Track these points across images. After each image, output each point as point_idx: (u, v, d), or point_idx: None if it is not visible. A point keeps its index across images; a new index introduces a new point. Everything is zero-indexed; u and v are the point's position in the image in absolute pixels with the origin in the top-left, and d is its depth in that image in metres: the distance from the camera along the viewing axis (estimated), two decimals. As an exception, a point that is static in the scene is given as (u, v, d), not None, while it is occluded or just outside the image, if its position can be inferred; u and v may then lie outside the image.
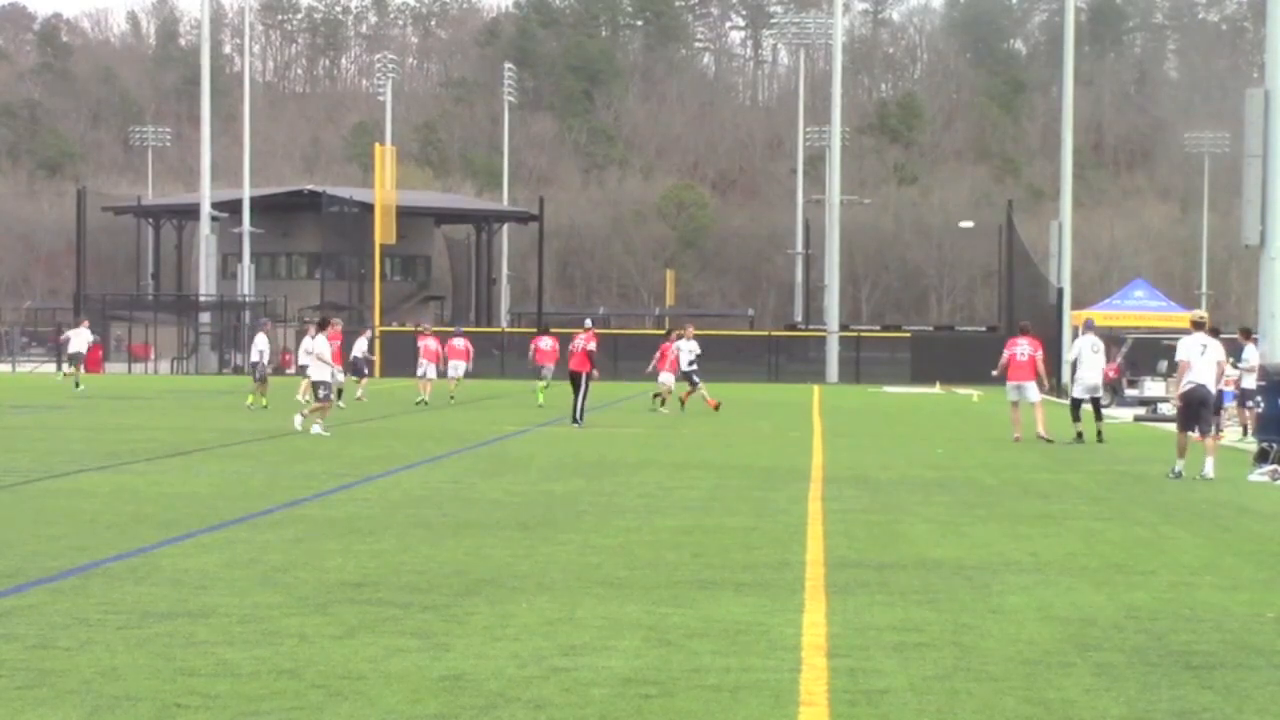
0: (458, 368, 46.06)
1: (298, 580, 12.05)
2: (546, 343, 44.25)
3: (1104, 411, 30.75)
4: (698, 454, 25.97)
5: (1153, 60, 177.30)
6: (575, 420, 32.78)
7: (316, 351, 30.58)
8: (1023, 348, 30.72)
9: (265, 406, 38.77)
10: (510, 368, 67.86)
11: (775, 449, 27.59)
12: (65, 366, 51.31)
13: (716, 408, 39.68)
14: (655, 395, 40.70)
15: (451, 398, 44.24)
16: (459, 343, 46.76)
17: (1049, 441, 28.94)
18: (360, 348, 46.20)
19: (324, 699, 8.29)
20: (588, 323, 37.34)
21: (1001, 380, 31.21)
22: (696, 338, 42.12)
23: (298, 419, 29.92)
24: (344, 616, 10.57)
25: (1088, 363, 29.71)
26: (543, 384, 43.36)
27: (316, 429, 29.04)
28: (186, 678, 8.73)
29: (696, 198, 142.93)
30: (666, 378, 40.40)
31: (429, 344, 45.24)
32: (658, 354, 41.23)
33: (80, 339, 51.27)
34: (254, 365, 41.51)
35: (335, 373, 31.57)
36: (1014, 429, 30.05)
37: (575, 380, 33.48)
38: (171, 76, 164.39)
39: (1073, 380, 30.27)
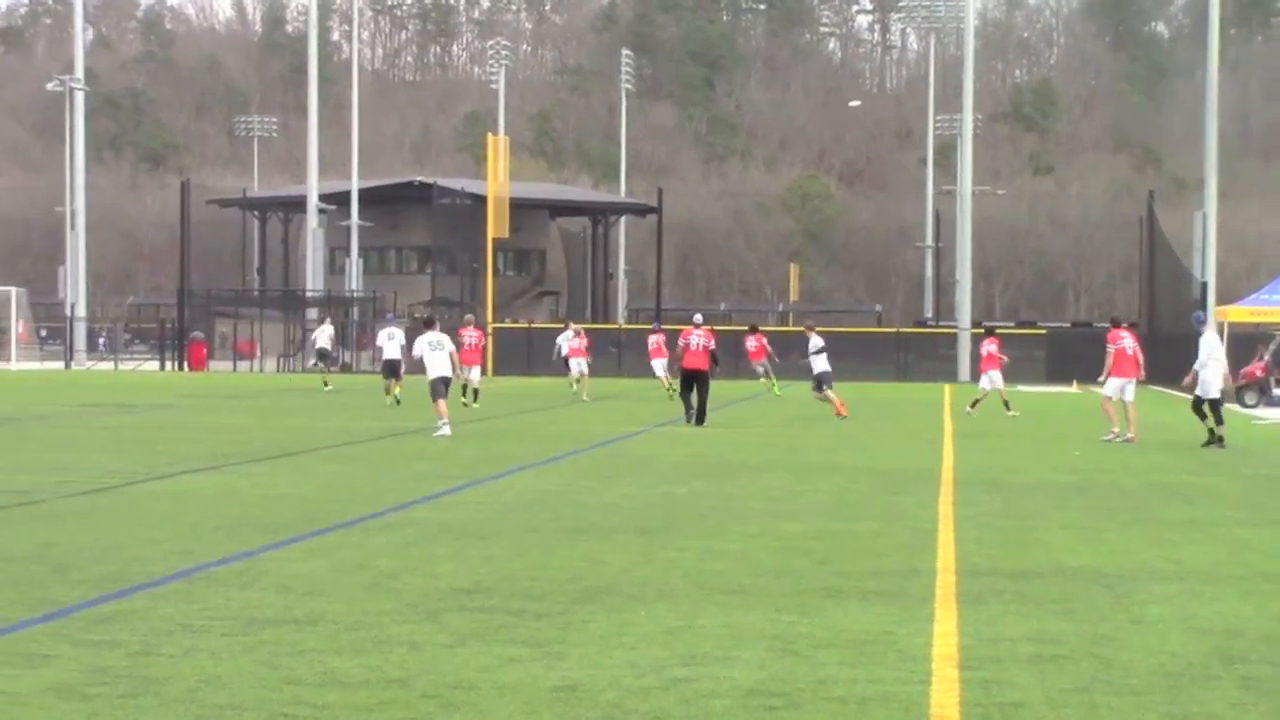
0: (660, 366, 47.12)
1: (407, 586, 11.86)
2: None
3: (1252, 411, 30.07)
4: (824, 456, 25.59)
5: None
6: (698, 420, 32.33)
7: (450, 349, 29.42)
8: (1129, 342, 30.13)
9: (399, 403, 38.88)
10: (628, 366, 67.67)
11: (904, 451, 27.15)
12: (315, 364, 52.50)
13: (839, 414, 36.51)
14: (976, 402, 38.44)
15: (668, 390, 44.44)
16: (654, 339, 47.92)
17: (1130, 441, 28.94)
18: (568, 340, 47.22)
19: (435, 709, 8.17)
20: (698, 318, 35.64)
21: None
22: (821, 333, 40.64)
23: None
24: (455, 624, 10.38)
25: (1214, 360, 29.07)
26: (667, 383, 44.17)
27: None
28: (293, 687, 8.62)
29: (822, 189, 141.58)
30: (994, 377, 38.65)
31: (575, 342, 45.95)
32: (984, 354, 39.18)
33: (324, 335, 52.24)
34: (395, 362, 41.30)
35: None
36: (1111, 425, 29.49)
37: (693, 379, 32.95)
38: (278, 65, 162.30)
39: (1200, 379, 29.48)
